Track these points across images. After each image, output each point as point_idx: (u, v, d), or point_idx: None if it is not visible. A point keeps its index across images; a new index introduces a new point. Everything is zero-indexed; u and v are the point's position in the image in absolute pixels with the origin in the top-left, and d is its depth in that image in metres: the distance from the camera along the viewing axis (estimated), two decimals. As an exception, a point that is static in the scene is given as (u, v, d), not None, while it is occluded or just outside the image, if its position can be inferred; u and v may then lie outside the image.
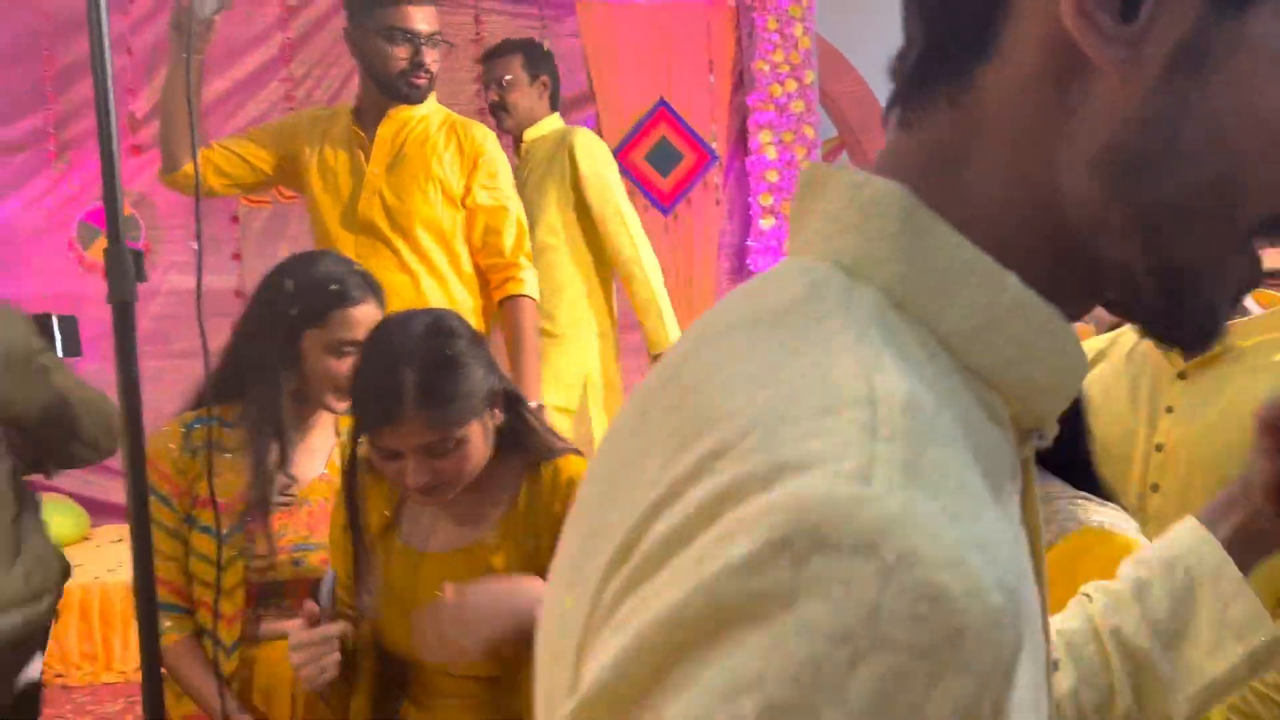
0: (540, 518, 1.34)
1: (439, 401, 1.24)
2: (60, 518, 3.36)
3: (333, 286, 1.49)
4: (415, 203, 2.04)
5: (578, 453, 1.40)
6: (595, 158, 2.58)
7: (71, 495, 4.02)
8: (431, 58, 2.08)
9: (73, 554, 3.10)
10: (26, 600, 1.58)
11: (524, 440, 1.39)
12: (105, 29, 1.18)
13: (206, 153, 2.12)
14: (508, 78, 2.64)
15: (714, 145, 5.68)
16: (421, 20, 2.04)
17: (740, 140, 5.76)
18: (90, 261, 4.98)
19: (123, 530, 3.48)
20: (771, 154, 5.57)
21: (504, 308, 2.15)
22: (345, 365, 1.47)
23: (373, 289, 1.56)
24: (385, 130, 2.09)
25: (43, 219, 4.97)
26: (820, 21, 5.66)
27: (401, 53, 2.03)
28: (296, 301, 1.50)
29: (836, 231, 0.45)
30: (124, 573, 2.98)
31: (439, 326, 1.30)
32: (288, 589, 1.54)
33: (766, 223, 5.58)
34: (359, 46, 2.08)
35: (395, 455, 1.27)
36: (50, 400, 1.60)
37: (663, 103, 5.60)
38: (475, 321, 2.13)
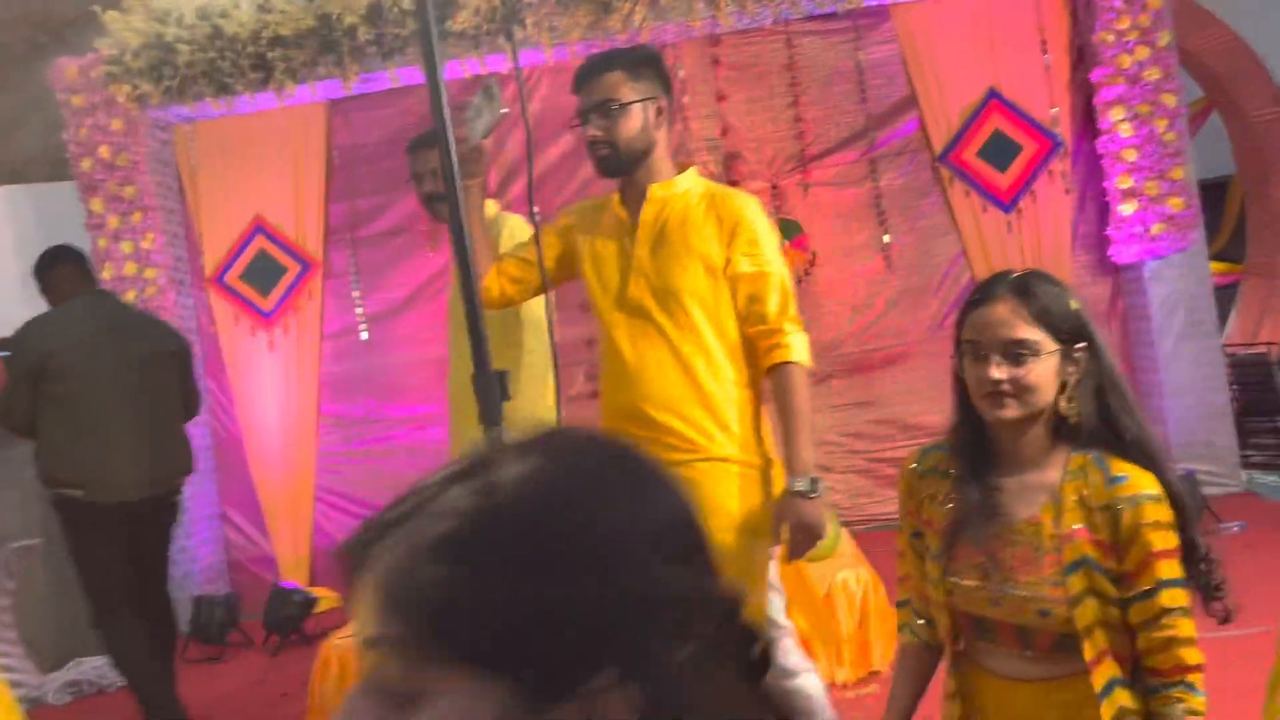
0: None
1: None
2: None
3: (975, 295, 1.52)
4: (678, 280, 2.06)
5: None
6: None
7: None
8: (596, 128, 2.08)
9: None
10: None
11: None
12: (447, 119, 1.21)
13: (500, 265, 2.25)
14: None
15: (1056, 130, 5.19)
16: (583, 96, 2.09)
17: (1087, 121, 5.22)
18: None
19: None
20: (1126, 131, 4.98)
21: (772, 376, 2.11)
22: (985, 369, 1.45)
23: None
24: (647, 213, 2.13)
25: (417, 291, 5.56)
26: (1169, -26, 5.01)
27: (585, 133, 2.10)
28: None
29: None
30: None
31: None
32: (992, 625, 1.48)
33: (1127, 208, 4.98)
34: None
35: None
36: None
37: (993, 93, 5.21)
38: (741, 393, 2.10)
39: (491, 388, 1.23)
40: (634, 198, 2.15)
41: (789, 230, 5.32)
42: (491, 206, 2.72)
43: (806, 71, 5.39)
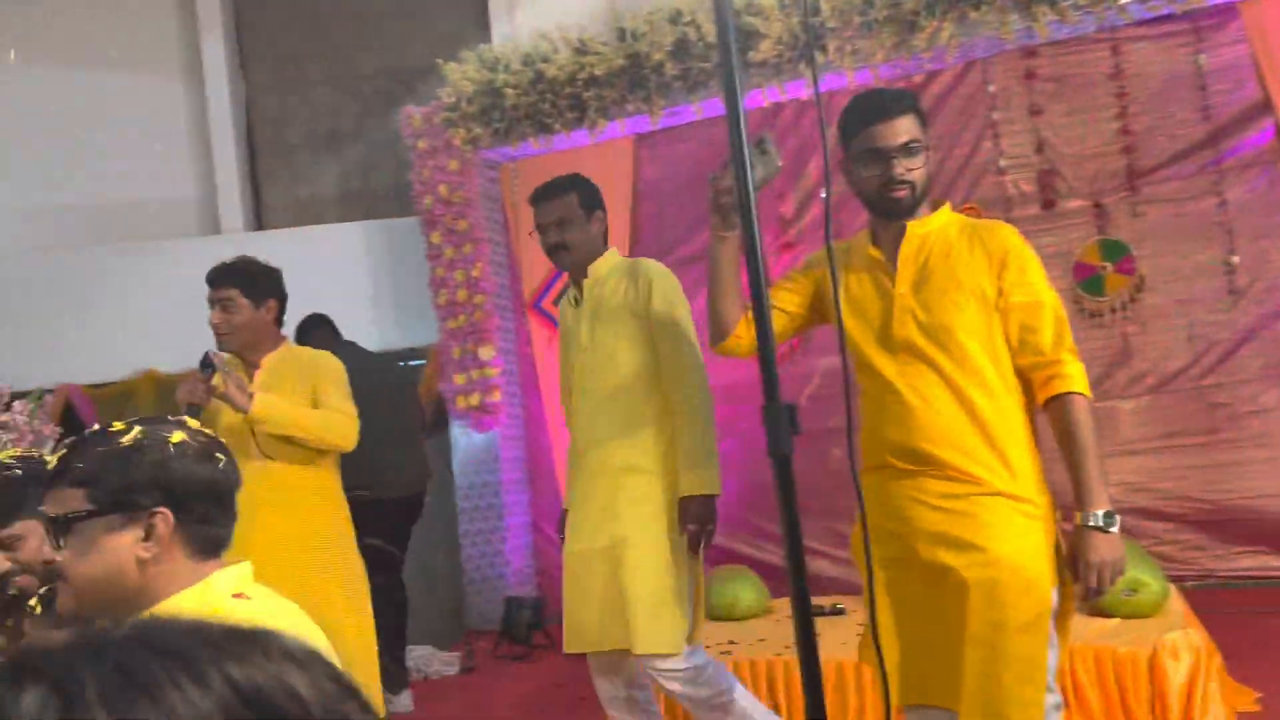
0: None
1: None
2: (741, 590, 3.68)
3: None
4: (950, 315, 2.02)
5: None
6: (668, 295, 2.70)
7: (751, 565, 4.43)
8: (905, 168, 2.03)
9: (754, 627, 3.39)
10: None
11: None
12: (745, 141, 1.23)
13: (749, 316, 2.19)
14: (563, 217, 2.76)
15: None
16: (888, 135, 2.02)
17: None
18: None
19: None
20: None
21: (1050, 408, 2.01)
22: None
23: None
24: (906, 250, 2.09)
25: (717, 318, 5.67)
26: None
27: (874, 171, 2.04)
28: None
29: None
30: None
31: None
32: None
33: None
34: (848, 175, 2.12)
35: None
36: None
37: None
38: (1023, 429, 2.02)
39: (779, 418, 1.23)
40: (889, 237, 2.13)
41: (1114, 251, 4.90)
42: (614, 255, 2.85)
43: (1136, 80, 4.95)
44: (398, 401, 4.35)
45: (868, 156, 2.05)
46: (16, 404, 2.77)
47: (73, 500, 1.25)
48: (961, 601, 1.90)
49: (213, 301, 2.94)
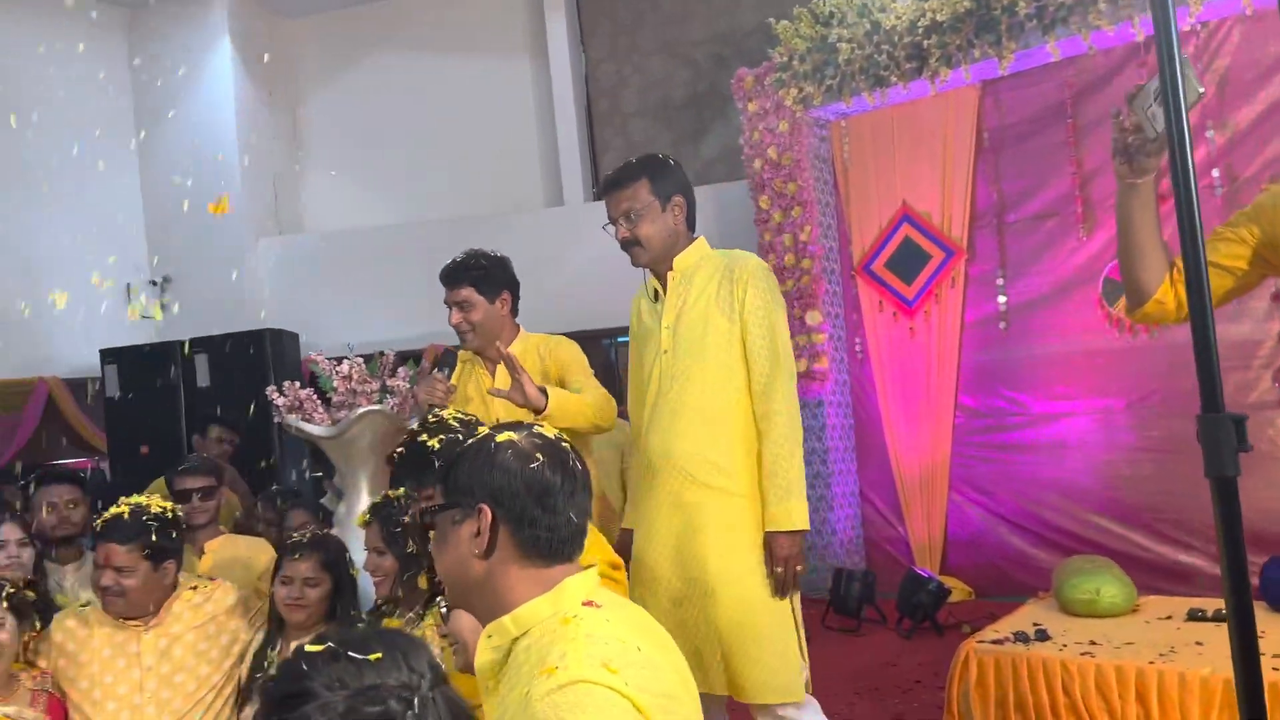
0: None
1: None
2: (1103, 583, 3.31)
3: None
4: None
5: None
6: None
7: (1110, 555, 3.99)
8: None
9: (1118, 628, 3.03)
10: None
11: None
12: (1177, 60, 1.02)
13: (1174, 274, 1.79)
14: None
15: None
16: None
17: None
18: (1115, 316, 4.98)
19: (1171, 604, 3.28)
20: None
21: None
22: None
23: None
24: None
25: (1066, 280, 5.16)
26: None
27: None
28: None
29: None
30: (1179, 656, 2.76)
31: None
32: None
33: None
34: None
35: None
36: None
37: None
38: None
39: (1223, 432, 1.01)
40: None
41: None
42: (701, 245, 2.52)
43: None
44: None
45: None
46: (400, 370, 3.00)
47: (435, 494, 1.34)
48: None
49: (449, 303, 2.85)
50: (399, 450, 2.12)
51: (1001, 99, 5.30)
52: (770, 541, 2.34)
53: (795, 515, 2.34)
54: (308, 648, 0.93)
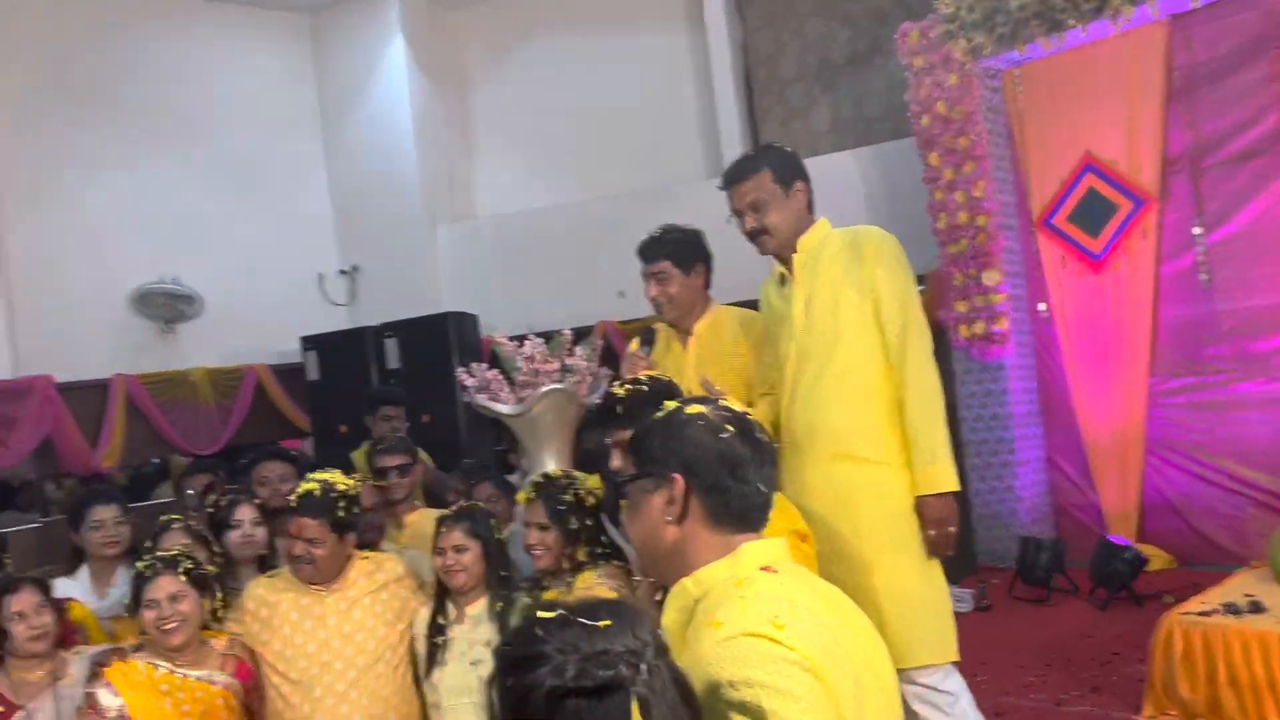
0: None
1: None
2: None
3: None
4: None
5: None
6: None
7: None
8: None
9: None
10: None
11: None
12: None
13: None
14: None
15: None
16: None
17: None
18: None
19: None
20: None
21: None
22: None
23: None
24: None
25: (1274, 225, 4.77)
26: None
27: None
28: None
29: None
30: None
31: None
32: None
33: None
34: None
35: None
36: None
37: None
38: None
39: None
40: None
41: None
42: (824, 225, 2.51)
43: None
44: None
45: None
46: (578, 348, 3.10)
47: (630, 464, 1.39)
48: None
49: (647, 276, 2.88)
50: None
51: (1192, 34, 4.92)
52: (920, 506, 2.38)
53: (942, 478, 2.37)
54: (541, 613, 0.99)
